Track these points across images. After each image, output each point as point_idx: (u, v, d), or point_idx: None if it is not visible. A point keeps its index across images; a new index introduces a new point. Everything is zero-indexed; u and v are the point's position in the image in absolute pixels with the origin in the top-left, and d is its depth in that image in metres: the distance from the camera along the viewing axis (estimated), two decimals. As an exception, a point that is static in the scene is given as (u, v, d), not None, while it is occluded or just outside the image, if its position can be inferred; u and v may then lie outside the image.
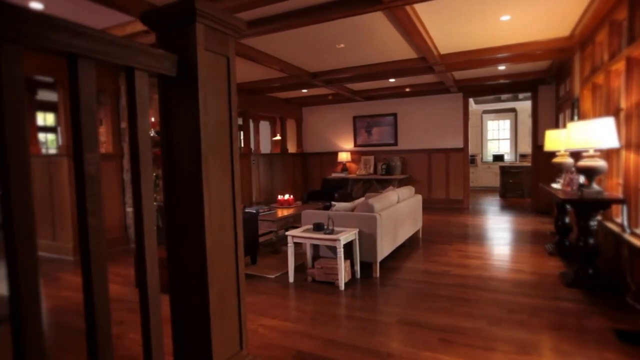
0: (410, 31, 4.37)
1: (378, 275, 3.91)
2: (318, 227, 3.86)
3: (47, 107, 7.77)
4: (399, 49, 5.43)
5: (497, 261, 4.33)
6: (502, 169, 10.22)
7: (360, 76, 6.90)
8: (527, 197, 9.38)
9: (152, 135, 5.74)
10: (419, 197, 5.55)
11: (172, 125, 1.11)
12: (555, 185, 4.53)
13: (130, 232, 5.62)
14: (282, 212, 5.42)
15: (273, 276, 4.03)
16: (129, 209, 5.58)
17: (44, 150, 8.19)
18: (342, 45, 5.21)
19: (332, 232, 3.73)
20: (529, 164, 8.88)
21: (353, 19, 4.17)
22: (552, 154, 4.76)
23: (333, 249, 3.78)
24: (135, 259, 3.64)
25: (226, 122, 1.17)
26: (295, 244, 3.89)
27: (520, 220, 6.78)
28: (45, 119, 8.71)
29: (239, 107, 8.09)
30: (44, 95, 6.15)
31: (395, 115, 9.24)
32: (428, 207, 8.54)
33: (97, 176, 0.83)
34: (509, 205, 8.76)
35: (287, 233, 3.85)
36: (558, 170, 4.68)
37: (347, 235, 3.66)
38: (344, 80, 7.20)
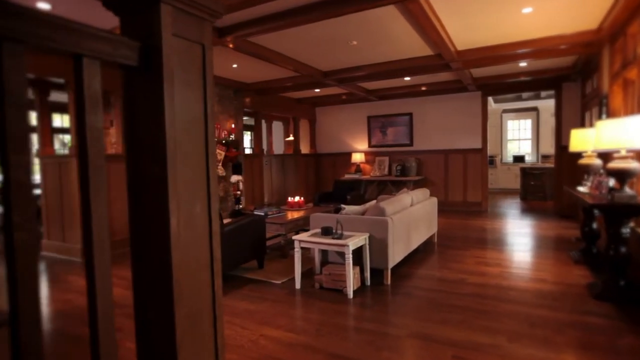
0: (425, 26, 4.16)
1: (389, 282, 3.71)
2: (326, 232, 3.69)
3: (64, 109, 7.84)
4: (414, 46, 5.21)
5: (518, 269, 4.06)
6: (523, 170, 9.81)
7: (373, 74, 6.70)
8: (550, 200, 8.97)
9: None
10: (434, 200, 5.31)
11: (136, 123, 0.97)
12: (581, 189, 4.23)
13: (139, 233, 5.57)
14: (292, 215, 5.28)
15: (279, 282, 3.88)
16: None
17: (61, 151, 8.27)
18: (354, 43, 5.04)
19: (340, 236, 3.56)
20: (552, 165, 8.48)
21: (365, 14, 3.99)
22: (578, 155, 4.46)
23: (342, 255, 3.61)
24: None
25: (200, 120, 1.02)
26: (303, 248, 3.73)
27: (543, 224, 6.44)
28: (63, 120, 8.82)
29: (250, 107, 8.01)
30: (61, 97, 6.18)
31: (410, 114, 8.98)
32: (444, 210, 8.26)
33: (27, 182, 0.69)
34: (530, 208, 8.38)
35: (293, 237, 3.69)
36: (584, 172, 4.38)
37: (356, 241, 3.48)
38: (357, 79, 7.01)
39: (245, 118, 10.19)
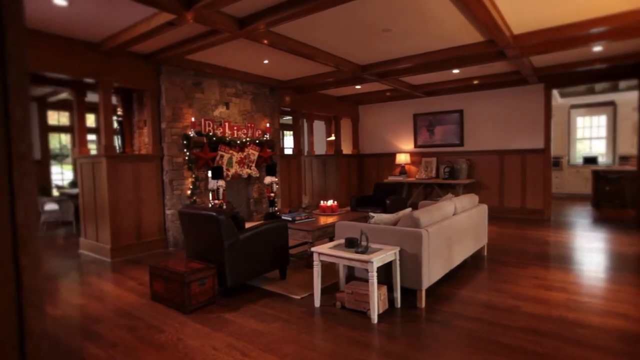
0: (471, 4, 3.54)
1: (423, 305, 3.16)
2: (350, 244, 3.22)
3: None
4: (461, 32, 4.56)
5: (589, 298, 3.30)
6: (596, 173, 8.54)
7: (416, 67, 6.09)
8: (630, 208, 7.70)
9: (191, 135, 5.54)
10: (484, 208, 4.62)
11: None
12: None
13: (169, 235, 5.47)
14: (325, 220, 4.86)
15: (299, 297, 3.48)
16: (169, 212, 5.43)
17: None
18: (389, 30, 4.50)
19: (365, 250, 3.07)
20: (633, 168, 7.25)
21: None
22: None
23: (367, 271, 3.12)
24: (152, 270, 3.31)
25: None
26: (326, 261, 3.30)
27: (622, 239, 5.42)
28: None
29: (289, 105, 7.71)
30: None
31: (461, 112, 8.18)
32: (498, 217, 7.38)
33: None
34: (604, 217, 7.22)
35: (312, 249, 3.27)
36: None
37: (383, 256, 2.98)
38: (399, 73, 6.43)
39: (287, 117, 9.99)
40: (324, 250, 3.20)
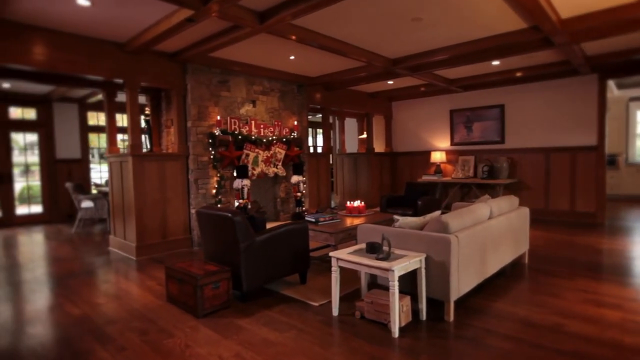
0: (511, -16, 3.17)
1: (452, 319, 2.86)
2: (372, 249, 2.98)
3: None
4: (500, 18, 4.16)
5: (650, 316, 2.86)
6: (659, 173, 7.68)
7: (451, 60, 5.69)
8: (700, 212, 6.82)
9: (217, 134, 5.50)
10: (524, 211, 4.19)
11: None
12: None
13: (194, 234, 5.47)
14: (351, 221, 4.63)
15: (317, 304, 3.28)
16: (194, 211, 5.42)
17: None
18: (420, 19, 4.18)
19: (387, 256, 2.82)
20: None
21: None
22: None
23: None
24: (167, 271, 3.25)
25: None
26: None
27: (690, 247, 4.76)
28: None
29: (317, 102, 7.53)
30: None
31: (502, 106, 7.62)
32: (544, 220, 6.80)
33: None
34: (668, 223, 6.44)
35: (330, 254, 3.06)
36: None
37: (405, 264, 2.71)
38: (432, 66, 6.05)
39: (318, 115, 9.79)
40: (342, 255, 2.98)
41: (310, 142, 13.78)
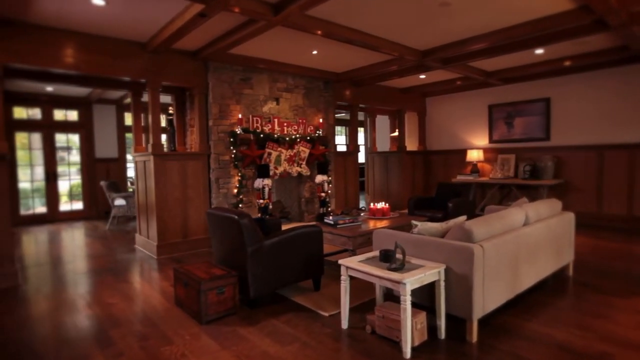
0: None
1: (474, 340, 2.52)
2: (386, 257, 2.71)
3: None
4: (541, -2, 3.70)
5: None
6: None
7: (487, 50, 5.21)
8: None
9: (238, 132, 5.40)
10: (569, 216, 3.71)
11: None
12: None
13: (216, 234, 5.41)
14: (373, 224, 4.37)
15: (327, 314, 3.06)
16: (216, 210, 5.36)
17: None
18: (448, 3, 3.82)
19: (400, 267, 2.54)
20: None
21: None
22: None
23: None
24: (175, 273, 3.16)
25: None
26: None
27: None
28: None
29: (346, 99, 7.27)
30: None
31: (547, 100, 6.96)
32: (595, 226, 6.12)
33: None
34: None
35: (340, 262, 2.82)
36: None
37: (420, 276, 2.42)
38: (466, 57, 5.59)
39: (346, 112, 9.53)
40: (351, 263, 2.73)
41: (342, 141, 13.54)
